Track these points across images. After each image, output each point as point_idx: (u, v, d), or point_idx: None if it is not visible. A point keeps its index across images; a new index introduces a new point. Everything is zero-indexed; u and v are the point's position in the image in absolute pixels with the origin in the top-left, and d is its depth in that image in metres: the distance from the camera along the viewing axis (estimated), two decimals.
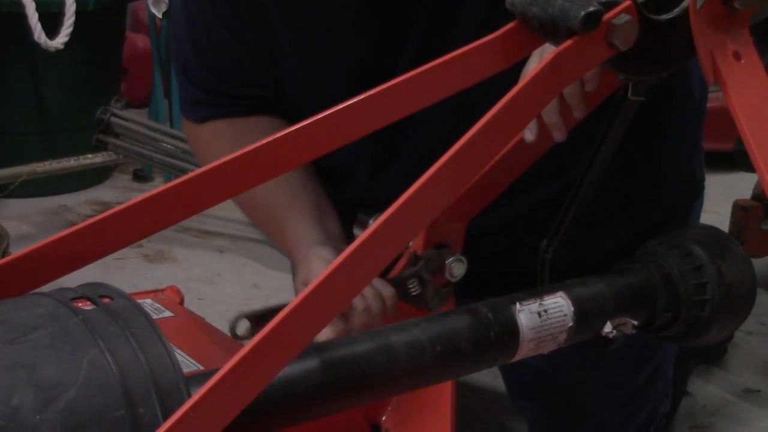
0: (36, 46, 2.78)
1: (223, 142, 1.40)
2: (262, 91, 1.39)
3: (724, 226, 2.13)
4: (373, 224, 0.77)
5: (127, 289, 0.79)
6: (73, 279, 0.81)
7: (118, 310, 0.72)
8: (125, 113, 2.83)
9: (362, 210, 1.20)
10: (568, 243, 1.14)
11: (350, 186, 1.40)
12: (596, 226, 1.20)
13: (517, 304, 1.00)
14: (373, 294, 1.14)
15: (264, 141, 0.85)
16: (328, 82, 1.32)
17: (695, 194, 1.54)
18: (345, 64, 1.31)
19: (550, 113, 1.10)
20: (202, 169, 0.85)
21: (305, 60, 1.33)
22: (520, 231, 1.32)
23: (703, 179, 1.56)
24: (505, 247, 1.36)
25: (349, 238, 1.27)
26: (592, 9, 0.85)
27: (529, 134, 1.10)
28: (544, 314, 1.00)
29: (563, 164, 1.19)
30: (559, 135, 1.11)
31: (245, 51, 1.35)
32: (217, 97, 1.40)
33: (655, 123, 1.32)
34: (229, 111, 1.40)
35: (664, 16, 0.90)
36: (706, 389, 2.02)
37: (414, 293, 1.13)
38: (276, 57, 1.34)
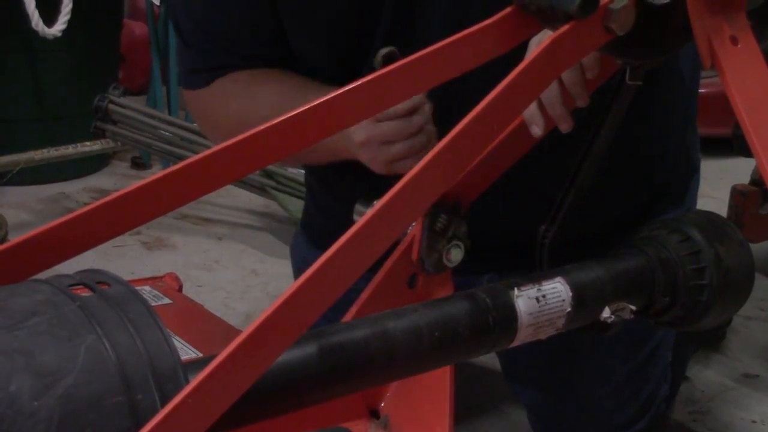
0: (34, 33, 2.78)
1: (236, 92, 1.40)
2: (263, 50, 1.40)
3: (723, 211, 2.13)
4: (370, 211, 0.77)
5: (126, 276, 0.79)
6: (72, 266, 0.81)
7: (115, 296, 0.72)
8: (123, 100, 2.83)
9: (360, 199, 1.19)
10: (563, 222, 1.14)
11: (347, 170, 1.40)
12: (588, 205, 1.20)
13: (516, 289, 1.00)
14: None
15: (262, 126, 0.85)
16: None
17: (690, 173, 1.54)
18: (326, 18, 1.33)
19: (554, 105, 1.10)
20: (201, 154, 0.85)
21: (299, 18, 1.35)
22: (517, 204, 1.33)
23: (698, 159, 1.56)
24: (502, 215, 1.36)
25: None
26: None
27: (537, 129, 1.10)
28: (543, 299, 1.01)
29: (560, 146, 1.20)
30: (565, 126, 1.10)
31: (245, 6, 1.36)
32: (218, 60, 1.42)
33: (640, 100, 1.33)
34: (234, 69, 1.41)
35: (662, 1, 0.90)
36: (705, 374, 2.03)
37: (438, 229, 1.11)
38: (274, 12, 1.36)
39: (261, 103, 1.36)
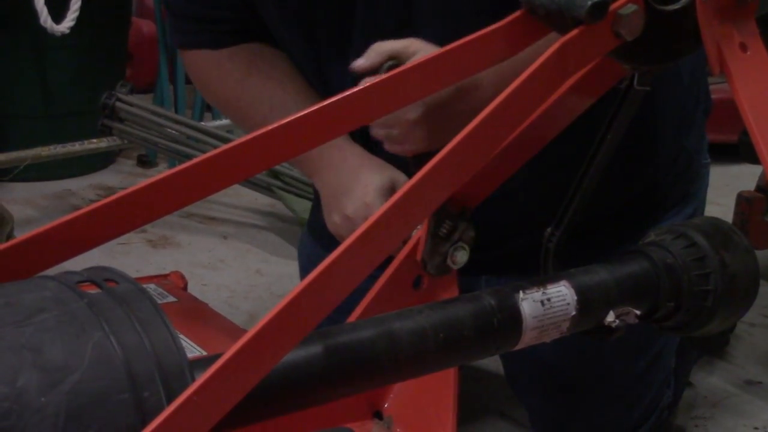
0: (42, 30, 2.78)
1: (211, 68, 1.50)
2: (235, 14, 1.46)
3: (728, 217, 2.13)
4: (378, 212, 0.77)
5: (131, 274, 0.79)
6: (77, 264, 0.81)
7: (123, 294, 0.72)
8: (130, 98, 2.84)
9: None
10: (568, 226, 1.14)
11: None
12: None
13: (521, 292, 1.00)
14: None
15: (271, 127, 0.86)
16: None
17: (692, 178, 1.54)
18: None
19: None
20: (207, 154, 0.85)
21: None
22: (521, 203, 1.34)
23: (703, 164, 1.56)
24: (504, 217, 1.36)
25: None
26: None
27: None
28: (547, 303, 1.01)
29: (565, 151, 1.20)
30: None
31: None
32: (191, 22, 1.49)
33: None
34: (206, 39, 1.48)
35: (671, 7, 0.90)
36: (708, 381, 2.03)
37: (441, 234, 1.11)
38: None
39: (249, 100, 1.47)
